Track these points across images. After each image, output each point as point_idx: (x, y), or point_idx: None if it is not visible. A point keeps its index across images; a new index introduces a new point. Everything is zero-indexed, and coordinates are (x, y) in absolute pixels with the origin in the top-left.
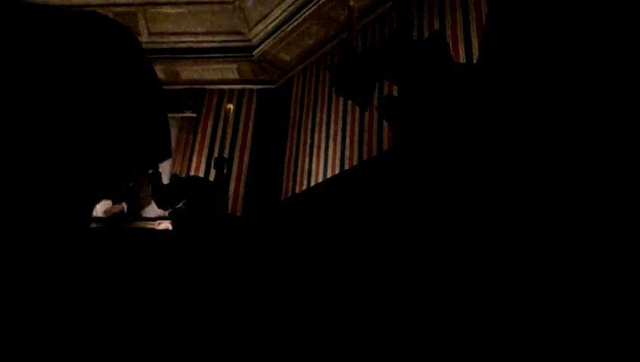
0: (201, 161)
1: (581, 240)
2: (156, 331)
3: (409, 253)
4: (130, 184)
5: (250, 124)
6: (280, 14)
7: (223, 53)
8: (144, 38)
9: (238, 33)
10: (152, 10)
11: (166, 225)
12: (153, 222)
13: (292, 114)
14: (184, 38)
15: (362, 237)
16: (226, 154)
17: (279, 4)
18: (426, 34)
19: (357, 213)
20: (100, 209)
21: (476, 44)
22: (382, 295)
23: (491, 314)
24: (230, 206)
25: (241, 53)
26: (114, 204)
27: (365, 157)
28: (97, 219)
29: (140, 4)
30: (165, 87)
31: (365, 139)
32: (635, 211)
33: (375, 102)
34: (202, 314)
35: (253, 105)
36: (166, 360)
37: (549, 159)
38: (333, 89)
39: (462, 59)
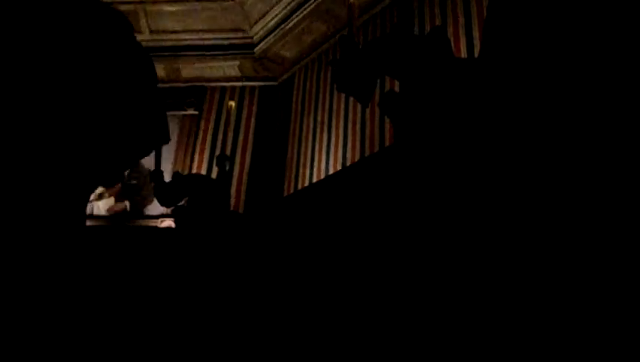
0: (203, 159)
1: (586, 236)
2: (160, 328)
3: (412, 248)
4: (134, 181)
5: (252, 121)
6: (280, 11)
7: (224, 50)
8: (145, 35)
9: (239, 30)
10: (153, 7)
11: (169, 222)
12: (156, 220)
13: (294, 110)
14: (185, 36)
15: (364, 233)
16: (228, 152)
17: (280, 1)
18: (428, 29)
19: (359, 209)
20: (103, 207)
21: (478, 39)
22: (384, 290)
23: (494, 310)
24: (232, 203)
25: (242, 50)
26: (117, 202)
27: (367, 153)
28: (100, 217)
29: (140, 2)
30: (166, 85)
31: (367, 135)
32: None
33: (377, 97)
34: (206, 311)
35: (255, 103)
36: (170, 358)
37: (553, 154)
38: (335, 85)
39: (464, 54)
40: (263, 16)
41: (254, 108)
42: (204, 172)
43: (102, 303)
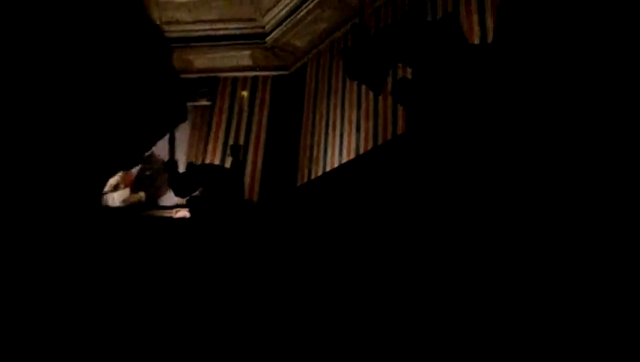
0: (216, 149)
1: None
2: (177, 317)
3: (426, 239)
4: (148, 172)
5: (265, 110)
6: (292, 0)
7: (235, 40)
8: None
9: (251, 20)
10: None
11: (183, 213)
12: (170, 211)
13: (306, 99)
14: (197, 27)
15: (378, 222)
16: (241, 141)
17: None
18: (439, 15)
19: (372, 198)
20: (118, 198)
21: (491, 26)
22: (398, 282)
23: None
24: (246, 193)
25: (253, 40)
26: (132, 193)
27: (380, 141)
28: (116, 208)
29: None
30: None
31: (380, 123)
32: None
33: (389, 85)
34: (221, 301)
35: (268, 92)
36: (183, 349)
37: (568, 143)
38: (347, 73)
39: (477, 40)
40: (275, 5)
41: (267, 97)
42: (217, 162)
43: (117, 293)
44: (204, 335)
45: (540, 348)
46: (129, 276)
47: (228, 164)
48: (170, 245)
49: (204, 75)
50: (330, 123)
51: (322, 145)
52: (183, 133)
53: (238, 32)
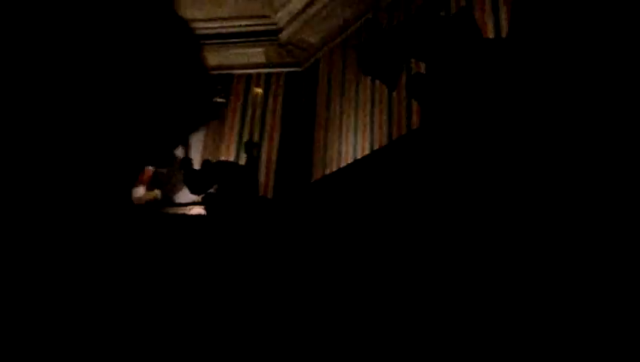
0: (231, 146)
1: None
2: (191, 314)
3: (442, 234)
4: (164, 170)
5: (279, 107)
6: None
7: (249, 37)
8: None
9: (264, 17)
10: None
11: (198, 210)
12: (185, 208)
13: (320, 95)
14: (209, 24)
15: (393, 219)
16: (255, 138)
17: None
18: (453, 10)
19: (388, 194)
20: (134, 196)
21: (505, 19)
22: (413, 280)
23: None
24: (261, 189)
25: (267, 36)
26: (147, 191)
27: (394, 136)
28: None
29: None
30: None
31: (394, 118)
32: None
33: (402, 80)
34: (237, 296)
35: (281, 88)
36: (197, 344)
37: (589, 139)
38: (360, 69)
39: (490, 35)
40: (287, 2)
41: (280, 94)
42: (232, 159)
43: (132, 290)
44: (219, 332)
45: (543, 348)
46: (144, 272)
47: (242, 161)
48: (186, 242)
49: (217, 72)
50: (344, 118)
51: (336, 141)
52: (197, 131)
53: (250, 29)
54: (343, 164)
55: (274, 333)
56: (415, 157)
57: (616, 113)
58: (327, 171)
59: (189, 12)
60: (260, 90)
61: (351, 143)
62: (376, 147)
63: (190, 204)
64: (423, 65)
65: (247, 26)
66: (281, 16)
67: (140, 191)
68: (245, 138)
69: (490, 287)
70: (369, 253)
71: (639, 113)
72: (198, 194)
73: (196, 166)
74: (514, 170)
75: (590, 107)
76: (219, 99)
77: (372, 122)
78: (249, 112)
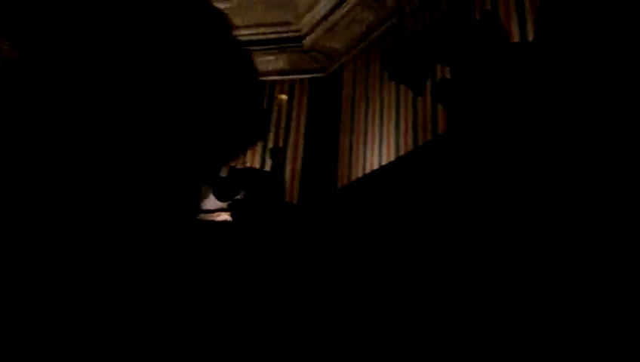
0: (256, 153)
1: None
2: (218, 319)
3: (471, 241)
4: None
5: (303, 113)
6: (328, 2)
7: (273, 44)
8: None
9: (287, 24)
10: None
11: (225, 216)
12: (212, 215)
13: (344, 101)
14: (234, 32)
15: (421, 225)
16: (280, 144)
17: None
18: (477, 13)
19: (414, 200)
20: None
21: (530, 23)
22: (442, 286)
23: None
24: (286, 195)
25: (290, 43)
26: None
27: (420, 141)
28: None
29: None
30: None
31: (419, 123)
32: None
33: (427, 85)
34: (265, 303)
35: (305, 95)
36: (223, 349)
37: (617, 144)
38: (386, 74)
39: (516, 39)
40: (311, 8)
41: (304, 100)
42: (258, 165)
43: (159, 295)
44: (247, 337)
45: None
46: (172, 278)
47: (268, 168)
48: (213, 248)
49: None
50: (369, 124)
51: (361, 147)
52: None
53: (274, 36)
54: (368, 170)
55: (304, 337)
56: (442, 163)
57: None
58: (352, 177)
59: None
60: (284, 97)
61: (376, 148)
62: (401, 152)
63: (217, 210)
64: (447, 70)
65: (271, 33)
66: (305, 23)
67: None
68: (270, 144)
69: (524, 291)
70: (394, 260)
71: None
72: (225, 201)
73: (222, 173)
74: (544, 175)
75: (620, 112)
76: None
77: (397, 127)
78: (274, 119)
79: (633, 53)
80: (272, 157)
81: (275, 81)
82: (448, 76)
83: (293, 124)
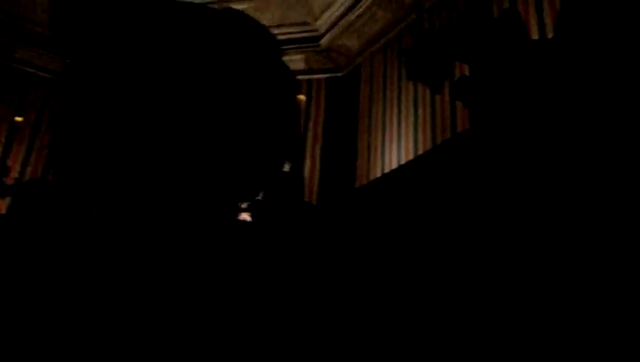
0: None
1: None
2: (238, 319)
3: (494, 243)
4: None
5: (320, 112)
6: (344, 2)
7: (289, 44)
8: None
9: (304, 24)
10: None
11: (245, 216)
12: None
13: (361, 100)
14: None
15: (442, 225)
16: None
17: None
18: (496, 10)
19: (435, 200)
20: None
21: (549, 19)
22: (461, 289)
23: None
24: (305, 195)
25: (307, 43)
26: None
27: (439, 139)
28: None
29: (205, 4)
30: None
31: (438, 120)
32: None
33: (445, 82)
34: (284, 302)
35: (323, 94)
36: (250, 350)
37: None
38: (403, 72)
39: (535, 35)
40: (327, 8)
41: (322, 99)
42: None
43: (180, 294)
44: (265, 337)
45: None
46: (192, 278)
47: (287, 168)
48: (233, 248)
49: None
50: (387, 122)
51: (379, 146)
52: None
53: (291, 36)
54: (387, 168)
55: (323, 337)
56: (464, 161)
57: None
58: (371, 176)
59: None
60: (302, 97)
61: (394, 147)
62: (420, 150)
63: (237, 210)
64: (465, 68)
65: (287, 33)
66: (322, 23)
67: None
68: None
69: (554, 291)
70: (415, 261)
71: None
72: (245, 202)
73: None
74: (568, 173)
75: None
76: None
77: (415, 125)
78: None
79: None
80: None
81: None
82: (466, 74)
83: (311, 124)
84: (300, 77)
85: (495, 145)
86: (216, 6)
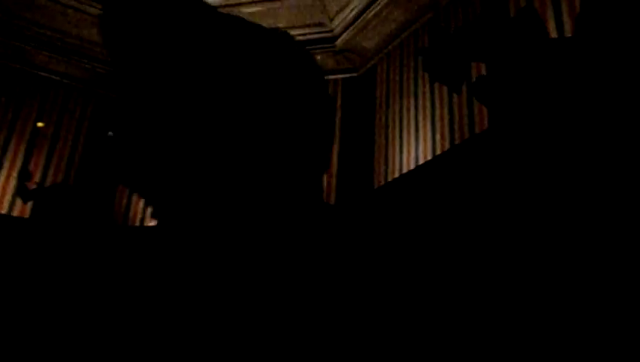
0: None
1: None
2: (254, 319)
3: (511, 244)
4: None
5: (338, 112)
6: (359, 2)
7: (305, 45)
8: None
9: (319, 25)
10: (232, 11)
11: None
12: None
13: (378, 100)
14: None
15: (462, 225)
16: None
17: None
18: (512, 10)
19: (455, 200)
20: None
21: (568, 17)
22: (483, 287)
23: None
24: (323, 195)
25: (322, 44)
26: None
27: (457, 139)
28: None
29: (220, 6)
30: None
31: (456, 120)
32: None
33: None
34: (301, 303)
35: (339, 95)
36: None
37: None
38: (420, 71)
39: (553, 34)
40: (342, 8)
41: (338, 100)
42: None
43: (196, 294)
44: (287, 337)
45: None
46: (208, 277)
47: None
48: (250, 247)
49: None
50: (405, 122)
51: (397, 146)
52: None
53: (307, 37)
54: (404, 168)
55: (345, 337)
56: (483, 161)
57: None
58: (389, 175)
59: None
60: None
61: (412, 146)
62: (438, 150)
63: None
64: (483, 67)
65: (303, 35)
66: (337, 24)
67: None
68: None
69: (580, 291)
70: (434, 261)
71: None
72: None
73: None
74: (588, 174)
75: None
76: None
77: (433, 125)
78: None
79: None
80: None
81: None
82: (483, 73)
83: None
84: None
85: (515, 145)
86: (232, 10)
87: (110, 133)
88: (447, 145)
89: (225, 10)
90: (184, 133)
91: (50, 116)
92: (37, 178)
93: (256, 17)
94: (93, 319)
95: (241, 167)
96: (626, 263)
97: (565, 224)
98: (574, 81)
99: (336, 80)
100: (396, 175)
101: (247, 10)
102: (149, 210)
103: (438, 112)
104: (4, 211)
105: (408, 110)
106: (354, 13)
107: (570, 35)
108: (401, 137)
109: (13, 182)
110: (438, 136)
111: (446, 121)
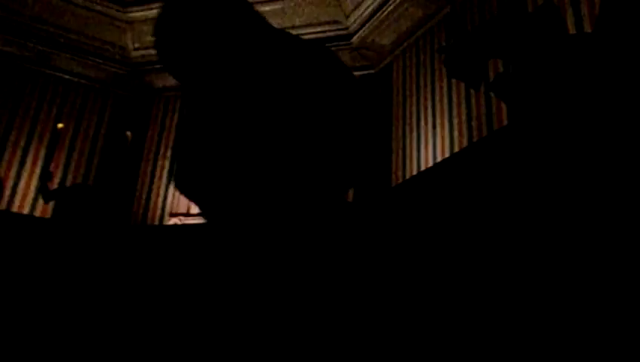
0: None
1: None
2: (272, 316)
3: (531, 242)
4: None
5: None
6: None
7: (325, 43)
8: None
9: (335, 22)
10: None
11: None
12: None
13: (394, 97)
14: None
15: (481, 223)
16: None
17: None
18: (529, 5)
19: (474, 198)
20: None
21: (587, 11)
22: (503, 286)
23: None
24: None
25: (339, 42)
26: None
27: (475, 136)
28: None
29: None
30: None
31: (473, 117)
32: None
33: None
34: (318, 300)
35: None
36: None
37: None
38: (436, 68)
39: (572, 30)
40: (358, 5)
41: None
42: None
43: (210, 295)
44: (303, 336)
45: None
46: (225, 276)
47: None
48: (267, 245)
49: None
50: (422, 119)
51: (415, 143)
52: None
53: (323, 35)
54: (422, 165)
55: (363, 334)
56: (502, 159)
57: None
58: (407, 172)
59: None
60: None
61: (430, 143)
62: (456, 147)
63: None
64: (500, 64)
65: (319, 32)
66: (353, 21)
67: None
68: None
69: (594, 292)
70: (452, 260)
71: None
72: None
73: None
74: (612, 170)
75: None
76: None
77: (450, 122)
78: None
79: None
80: None
81: None
82: (501, 70)
83: None
84: None
85: (535, 142)
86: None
87: (128, 132)
88: (465, 142)
89: None
90: (242, 137)
91: (69, 117)
92: (57, 178)
93: (272, 15)
94: (115, 316)
95: (285, 169)
96: None
97: (585, 222)
98: (594, 77)
99: None
100: (414, 172)
101: (263, 9)
102: (198, 210)
103: (455, 109)
104: (26, 211)
105: (425, 107)
106: (370, 10)
107: (589, 31)
108: (418, 134)
109: (35, 183)
110: (455, 133)
111: (464, 118)
